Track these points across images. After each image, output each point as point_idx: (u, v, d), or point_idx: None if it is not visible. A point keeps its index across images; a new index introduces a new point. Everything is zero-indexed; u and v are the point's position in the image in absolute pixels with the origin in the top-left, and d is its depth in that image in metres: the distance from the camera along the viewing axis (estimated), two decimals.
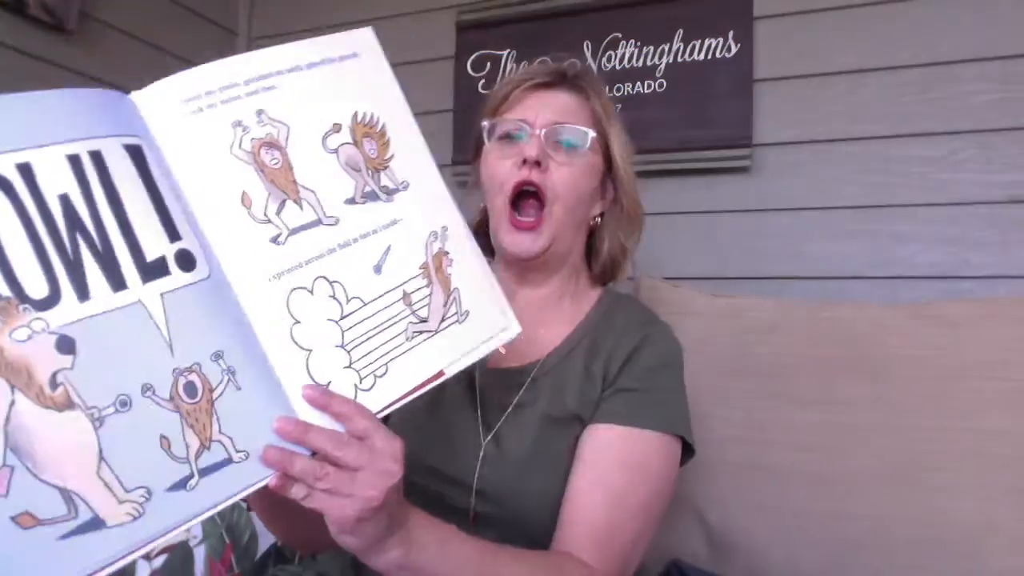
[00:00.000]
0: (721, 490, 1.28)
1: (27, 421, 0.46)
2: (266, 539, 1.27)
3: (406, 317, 0.65)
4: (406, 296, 0.65)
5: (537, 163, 0.87)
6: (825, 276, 1.53)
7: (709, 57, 1.61)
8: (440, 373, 0.66)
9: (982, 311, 1.25)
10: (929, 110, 1.47)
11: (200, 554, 1.21)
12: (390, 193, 0.67)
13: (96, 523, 0.47)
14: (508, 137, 0.93)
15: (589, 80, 0.96)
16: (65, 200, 0.50)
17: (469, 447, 0.87)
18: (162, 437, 0.50)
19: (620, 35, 1.68)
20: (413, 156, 0.69)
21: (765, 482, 1.26)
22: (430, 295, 0.67)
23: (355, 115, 0.66)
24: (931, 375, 1.22)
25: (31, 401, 0.46)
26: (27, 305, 0.47)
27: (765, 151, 1.59)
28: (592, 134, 0.91)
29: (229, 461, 0.52)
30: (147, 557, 1.28)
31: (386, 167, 0.67)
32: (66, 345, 0.48)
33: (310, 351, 0.59)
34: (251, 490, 0.54)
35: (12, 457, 0.45)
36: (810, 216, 1.55)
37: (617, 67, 1.68)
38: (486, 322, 0.70)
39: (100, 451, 0.48)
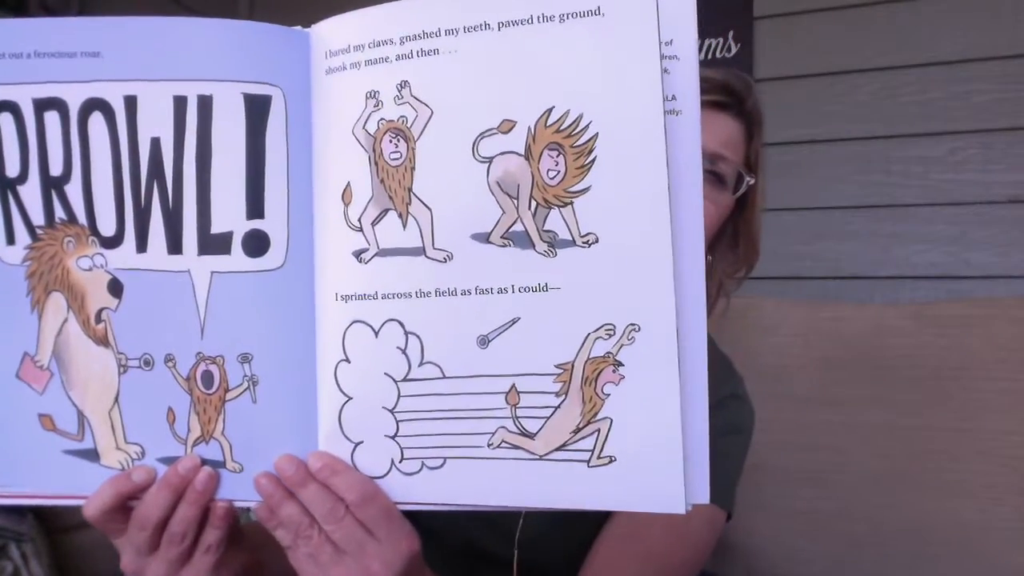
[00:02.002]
0: None
1: (71, 340, 0.49)
2: None
3: (501, 419, 0.46)
4: (513, 393, 0.46)
5: None
6: (825, 276, 1.53)
7: (709, 57, 1.61)
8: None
9: (982, 311, 1.25)
10: (929, 110, 1.47)
11: None
12: (555, 245, 0.44)
13: (93, 455, 0.50)
14: None
15: (758, 112, 0.82)
16: (155, 145, 0.48)
17: None
18: (169, 409, 0.49)
19: None
20: (631, 197, 0.43)
21: (765, 482, 1.26)
22: (555, 409, 0.45)
23: (548, 111, 0.44)
24: (931, 375, 1.22)
25: (79, 325, 0.49)
26: (95, 238, 0.49)
27: (765, 150, 1.59)
28: (749, 180, 0.78)
29: (222, 465, 0.50)
30: None
31: (567, 203, 0.44)
32: (115, 287, 0.49)
33: (349, 398, 0.47)
34: (236, 504, 0.50)
35: (54, 365, 0.49)
36: (810, 216, 1.55)
37: None
38: (636, 484, 0.45)
39: (117, 394, 0.50)
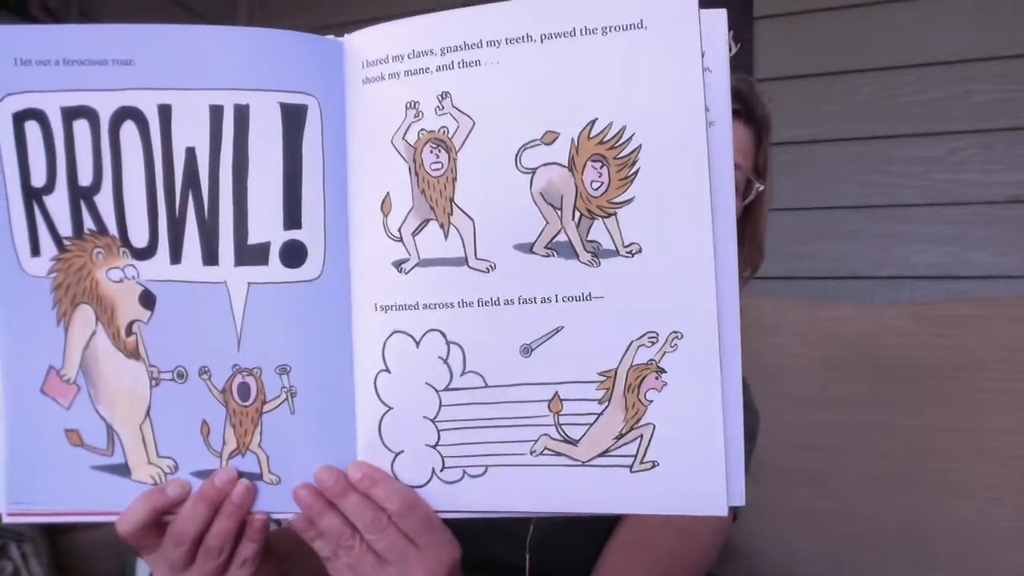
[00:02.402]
0: None
1: (100, 353, 0.49)
2: None
3: (544, 427, 0.46)
4: (556, 400, 0.46)
5: None
6: (825, 276, 1.53)
7: None
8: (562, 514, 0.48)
9: (982, 311, 1.25)
10: (929, 110, 1.47)
11: None
12: (599, 255, 0.45)
13: (123, 470, 0.49)
14: None
15: (766, 118, 0.82)
16: (191, 155, 0.47)
17: None
18: (204, 422, 0.49)
19: None
20: (674, 207, 0.44)
21: (765, 482, 1.26)
22: (598, 416, 0.46)
23: (591, 123, 0.44)
24: (931, 375, 1.22)
25: (108, 338, 0.49)
26: (126, 250, 0.48)
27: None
28: (759, 187, 0.77)
29: (259, 477, 0.49)
30: None
31: (611, 214, 0.44)
32: (148, 299, 0.48)
33: (390, 408, 0.48)
34: (274, 516, 0.50)
35: (81, 379, 0.49)
36: (810, 216, 1.55)
37: None
38: (678, 488, 0.45)
39: (149, 407, 0.49)
